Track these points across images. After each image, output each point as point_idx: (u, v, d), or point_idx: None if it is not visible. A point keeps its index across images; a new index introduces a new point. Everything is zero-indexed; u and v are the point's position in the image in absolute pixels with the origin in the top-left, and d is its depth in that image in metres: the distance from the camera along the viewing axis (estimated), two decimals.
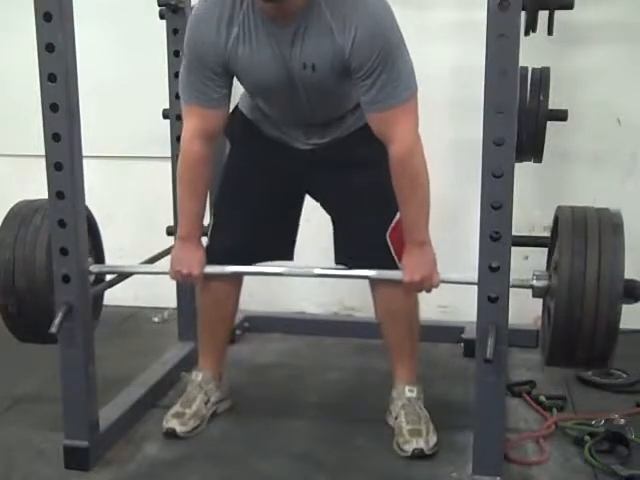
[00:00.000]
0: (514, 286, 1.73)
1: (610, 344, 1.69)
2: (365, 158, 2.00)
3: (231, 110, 2.07)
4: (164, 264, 2.10)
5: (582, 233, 1.69)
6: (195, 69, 1.85)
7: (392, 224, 2.01)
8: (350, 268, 2.06)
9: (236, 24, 1.80)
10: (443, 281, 1.90)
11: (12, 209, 2.01)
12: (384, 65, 1.75)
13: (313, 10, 1.76)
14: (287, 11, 1.75)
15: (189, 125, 1.92)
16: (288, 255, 2.18)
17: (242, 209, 2.11)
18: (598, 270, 1.64)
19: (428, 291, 1.93)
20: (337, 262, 2.12)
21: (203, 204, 2.04)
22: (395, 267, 2.00)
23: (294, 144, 2.07)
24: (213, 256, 2.05)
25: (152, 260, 2.36)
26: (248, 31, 1.80)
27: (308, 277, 2.05)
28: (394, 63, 1.76)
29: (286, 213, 2.17)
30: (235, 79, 1.93)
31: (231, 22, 1.80)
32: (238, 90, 2.06)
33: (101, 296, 2.14)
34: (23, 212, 1.99)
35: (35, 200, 2.03)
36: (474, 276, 1.74)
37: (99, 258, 2.13)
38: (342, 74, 1.82)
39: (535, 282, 1.80)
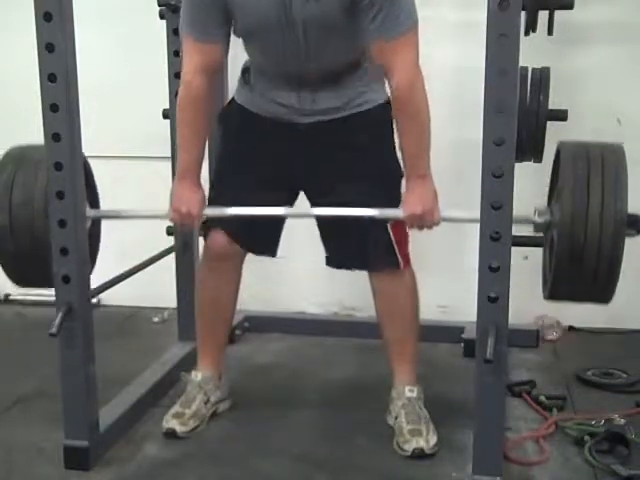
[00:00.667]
0: (516, 222, 1.71)
1: (613, 276, 1.66)
2: (364, 147, 2.01)
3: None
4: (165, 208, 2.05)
5: (584, 163, 1.66)
6: (195, 3, 1.86)
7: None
8: (346, 266, 2.10)
9: None
10: (445, 219, 1.88)
11: (7, 153, 1.98)
12: None
13: None
14: None
15: (189, 61, 1.92)
16: (272, 252, 2.19)
17: (236, 197, 2.04)
18: (601, 199, 1.62)
19: (429, 228, 1.90)
20: (329, 262, 2.12)
21: (203, 141, 2.02)
22: (395, 260, 2.02)
23: (289, 117, 2.03)
24: (209, 253, 2.06)
25: (152, 260, 2.36)
26: None
27: (306, 217, 2.05)
28: None
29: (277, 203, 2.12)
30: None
31: None
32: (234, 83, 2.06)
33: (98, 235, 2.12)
34: (18, 154, 1.96)
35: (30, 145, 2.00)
36: (475, 214, 1.72)
37: (94, 203, 2.10)
38: (345, 7, 1.81)
39: (537, 218, 1.78)
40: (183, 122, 1.98)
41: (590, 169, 1.65)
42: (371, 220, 2.00)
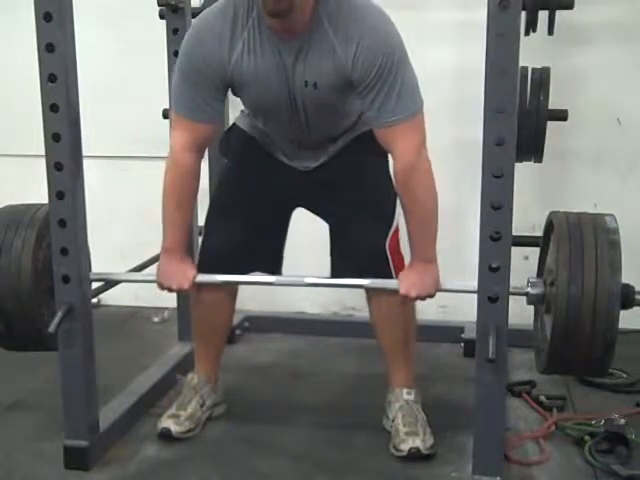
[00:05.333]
0: (510, 293, 1.73)
1: (607, 357, 1.69)
2: (361, 167, 2.01)
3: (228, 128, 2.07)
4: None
5: (579, 246, 1.67)
6: (193, 84, 1.84)
7: (390, 234, 2.00)
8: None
9: (240, 40, 1.80)
10: (439, 290, 1.88)
11: None
12: (386, 79, 1.75)
13: (317, 28, 1.77)
14: (292, 27, 1.76)
15: (179, 137, 1.91)
16: (277, 264, 2.16)
17: (234, 219, 2.07)
18: (595, 284, 1.63)
19: (423, 300, 1.91)
20: (334, 275, 2.08)
21: (191, 216, 2.04)
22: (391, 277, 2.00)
23: (291, 164, 2.07)
24: (203, 265, 2.03)
25: (151, 262, 2.35)
26: (253, 47, 1.80)
27: (300, 286, 2.01)
28: (396, 78, 1.76)
29: (277, 225, 2.15)
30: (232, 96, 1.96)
31: (235, 37, 1.80)
32: (234, 105, 2.06)
33: None
34: (8, 217, 1.95)
35: (20, 205, 2.00)
36: (471, 285, 1.74)
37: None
38: (344, 91, 1.83)
39: (530, 290, 1.80)
40: (169, 198, 1.95)
41: (584, 254, 1.66)
42: (369, 240, 1.99)
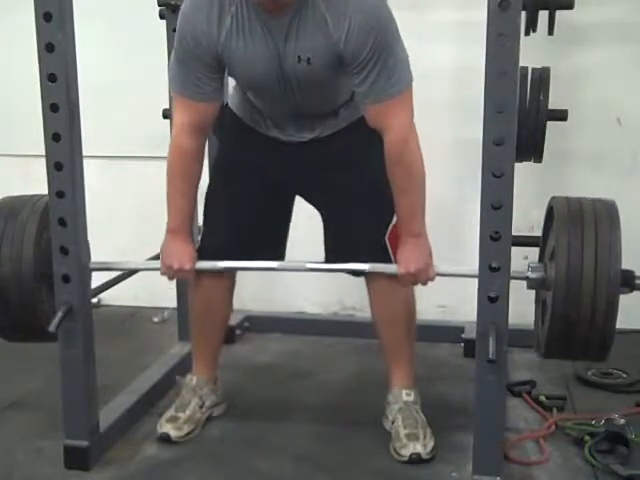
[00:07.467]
0: (511, 278, 1.72)
1: (608, 336, 1.68)
2: (362, 154, 1.99)
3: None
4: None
5: (578, 224, 1.67)
6: (187, 62, 1.84)
7: (390, 226, 2.00)
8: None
9: (228, 16, 1.78)
10: (439, 274, 1.89)
11: None
12: (379, 55, 1.74)
13: (307, 2, 1.74)
14: (281, 2, 1.73)
15: (180, 118, 1.91)
16: (279, 255, 2.16)
17: (232, 209, 2.08)
18: (595, 262, 1.63)
19: (424, 284, 1.91)
20: (328, 261, 2.09)
21: (193, 197, 2.03)
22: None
23: (286, 139, 2.04)
24: (205, 256, 2.03)
25: (152, 260, 2.35)
26: (242, 24, 1.78)
27: (301, 272, 2.00)
28: (389, 53, 1.75)
29: (277, 213, 2.14)
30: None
31: (223, 14, 1.78)
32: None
33: None
34: (8, 207, 1.94)
35: (22, 196, 1.99)
36: (470, 269, 1.74)
37: None
38: (337, 66, 1.81)
39: (530, 274, 1.79)
40: (173, 179, 1.95)
41: (584, 231, 1.66)
42: (369, 231, 2.00)
